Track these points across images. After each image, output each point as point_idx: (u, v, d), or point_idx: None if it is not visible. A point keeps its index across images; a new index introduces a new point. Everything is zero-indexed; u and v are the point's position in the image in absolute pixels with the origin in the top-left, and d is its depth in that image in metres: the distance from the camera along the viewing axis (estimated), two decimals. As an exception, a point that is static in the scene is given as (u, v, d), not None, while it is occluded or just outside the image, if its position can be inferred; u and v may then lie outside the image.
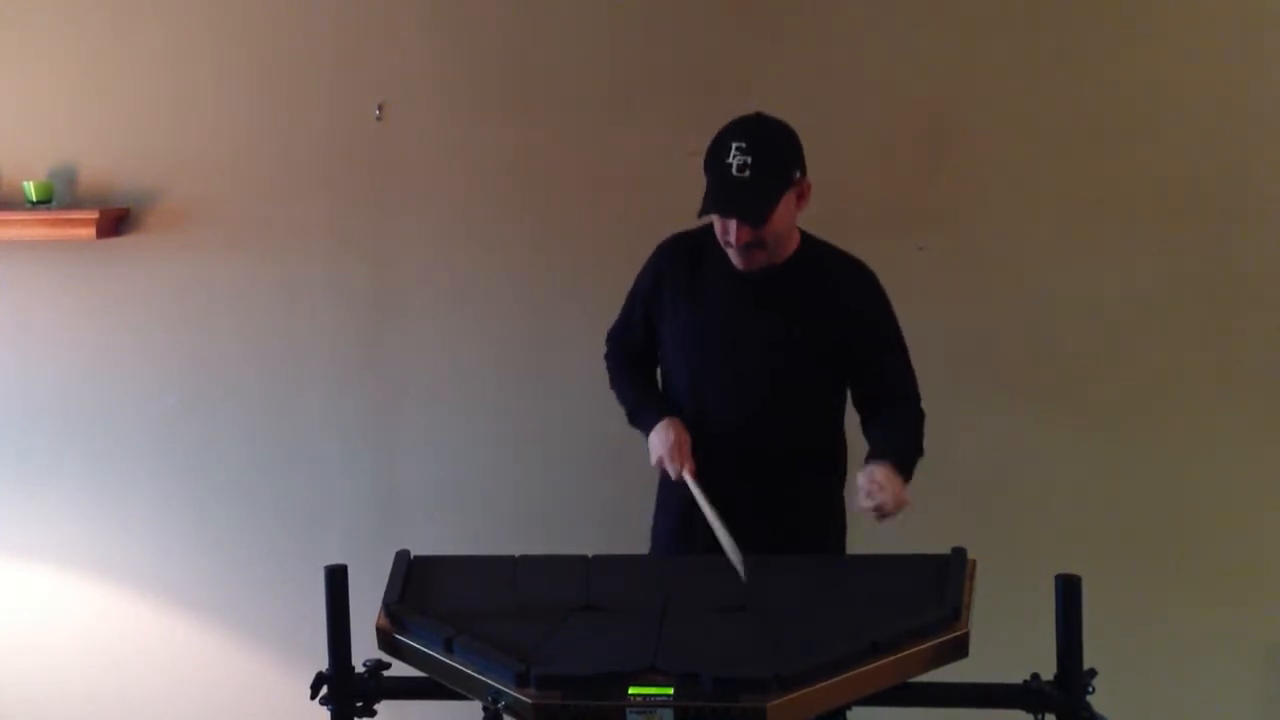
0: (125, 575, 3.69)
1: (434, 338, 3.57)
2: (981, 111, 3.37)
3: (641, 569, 2.57)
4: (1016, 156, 3.37)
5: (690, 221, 2.67)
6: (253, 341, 3.61)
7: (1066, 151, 3.35)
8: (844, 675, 2.07)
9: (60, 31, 3.57)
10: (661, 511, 2.84)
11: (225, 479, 3.66)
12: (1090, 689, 2.22)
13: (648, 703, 2.01)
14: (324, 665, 2.33)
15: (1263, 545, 3.39)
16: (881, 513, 2.42)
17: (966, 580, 2.30)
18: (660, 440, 2.67)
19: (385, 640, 2.30)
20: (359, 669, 2.34)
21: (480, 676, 2.12)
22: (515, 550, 2.53)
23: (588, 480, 3.50)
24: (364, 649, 2.35)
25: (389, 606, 2.34)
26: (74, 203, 3.58)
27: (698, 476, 2.61)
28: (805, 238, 2.70)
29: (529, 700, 2.04)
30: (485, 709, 2.21)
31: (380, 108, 3.52)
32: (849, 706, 2.23)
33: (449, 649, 2.19)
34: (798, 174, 2.58)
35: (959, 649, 2.19)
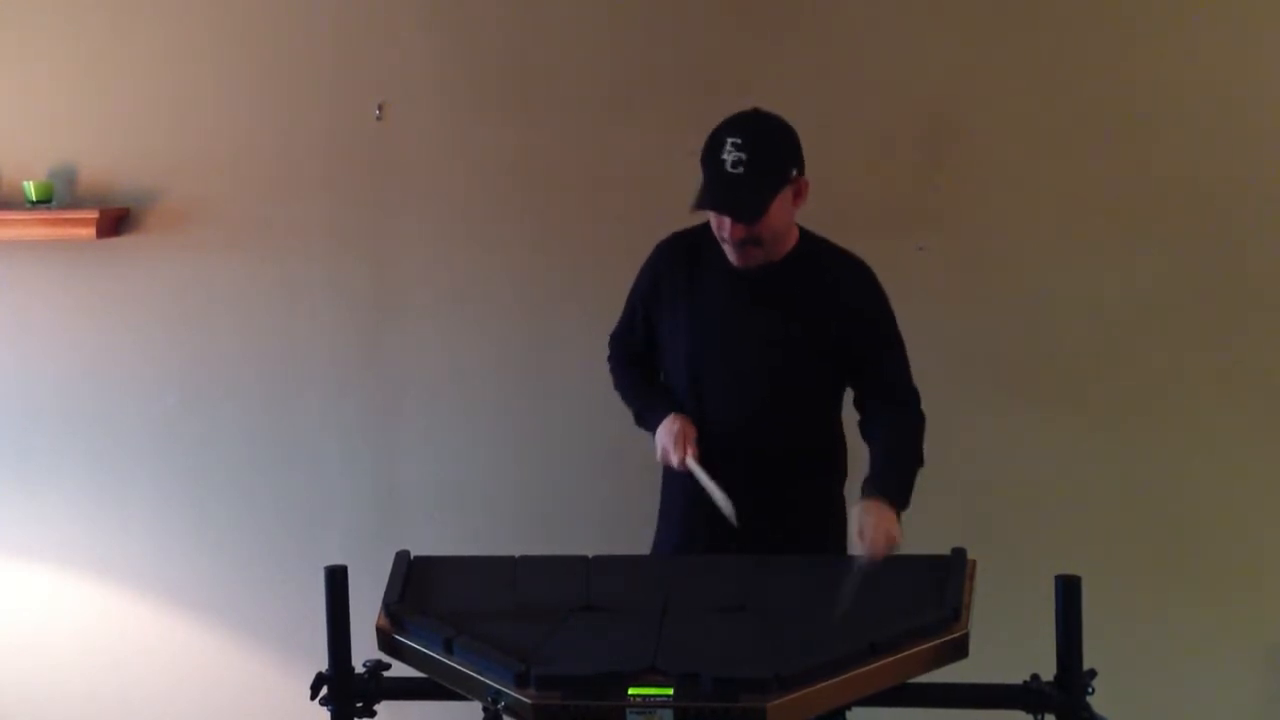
0: (125, 575, 3.69)
1: (434, 338, 3.57)
2: (981, 111, 3.37)
3: (641, 569, 2.57)
4: (1016, 156, 3.37)
5: (690, 221, 2.67)
6: (253, 341, 3.61)
7: (1066, 151, 3.35)
8: (844, 675, 2.07)
9: (60, 31, 3.57)
10: (664, 521, 2.84)
11: (225, 479, 3.66)
12: (1090, 689, 2.22)
13: (648, 703, 2.01)
14: (324, 665, 2.33)
15: (1263, 545, 3.39)
16: (872, 559, 2.42)
17: (966, 580, 2.30)
18: (664, 432, 2.66)
19: (385, 640, 2.30)
20: (359, 669, 2.34)
21: (480, 677, 2.12)
22: (515, 550, 2.53)
23: (588, 480, 3.50)
24: (364, 649, 2.35)
25: (389, 607, 2.34)
26: (74, 203, 3.58)
27: (701, 461, 2.61)
28: (804, 234, 2.70)
29: (529, 700, 2.04)
30: (485, 709, 2.20)
31: (380, 108, 3.52)
32: (849, 706, 2.23)
33: (449, 649, 2.19)
34: (794, 172, 2.57)
35: (959, 649, 2.19)
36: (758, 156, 2.51)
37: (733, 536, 2.57)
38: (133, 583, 3.69)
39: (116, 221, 3.58)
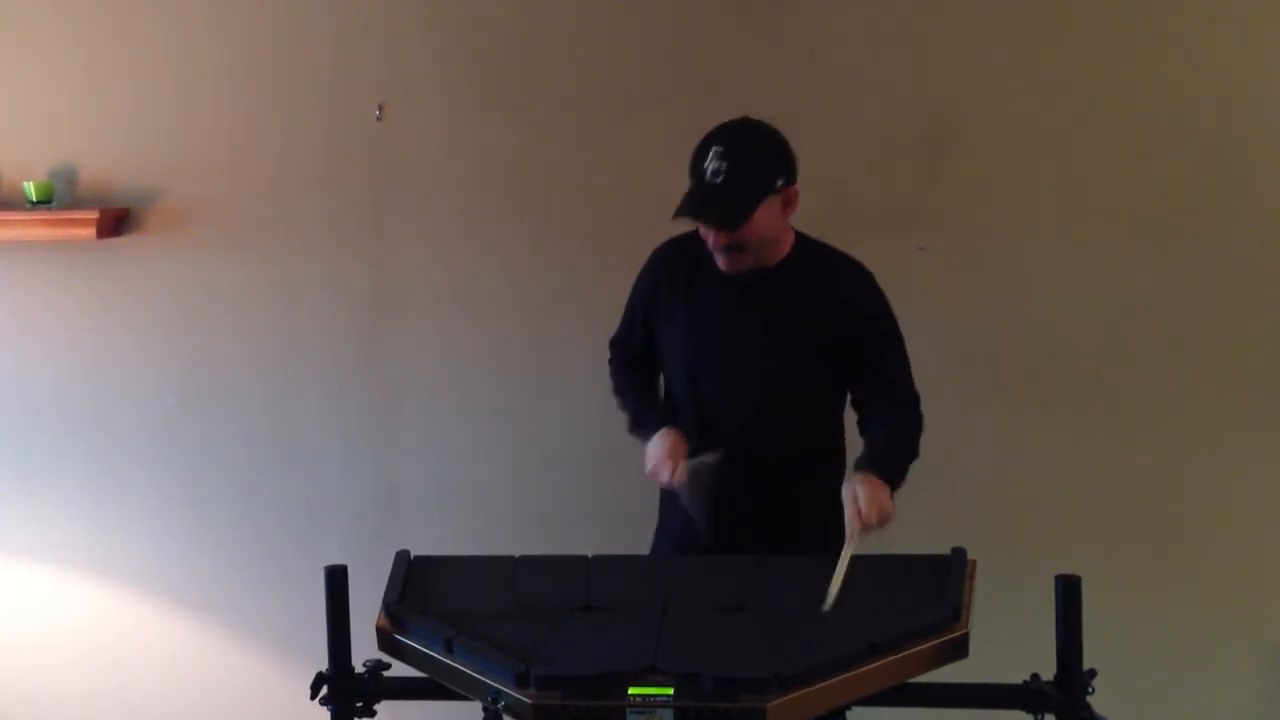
0: (125, 575, 3.69)
1: (434, 338, 3.57)
2: (981, 111, 3.37)
3: (641, 569, 2.57)
4: (1016, 157, 3.37)
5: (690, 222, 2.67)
6: (253, 341, 3.61)
7: (1066, 152, 3.35)
8: (844, 675, 2.07)
9: (60, 31, 3.57)
10: (665, 531, 2.84)
11: (225, 479, 3.66)
12: (1090, 689, 2.22)
13: (648, 703, 2.01)
14: (324, 665, 2.33)
15: (1263, 545, 3.39)
16: (864, 527, 2.42)
17: (966, 580, 2.30)
18: (654, 449, 2.65)
19: (385, 640, 2.30)
20: (359, 669, 2.34)
21: (480, 677, 2.12)
22: (515, 550, 2.53)
23: (588, 480, 3.50)
24: (364, 649, 2.35)
25: (389, 606, 2.34)
26: (74, 203, 3.58)
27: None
28: (800, 239, 2.69)
29: (529, 700, 2.04)
30: (485, 709, 2.21)
31: (380, 108, 3.52)
32: (849, 706, 2.23)
33: (449, 649, 2.19)
34: (781, 181, 2.55)
35: (959, 649, 2.19)
36: (739, 166, 2.51)
37: (732, 541, 2.57)
38: (133, 583, 3.69)
39: (116, 221, 3.58)
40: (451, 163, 3.52)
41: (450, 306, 3.56)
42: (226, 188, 3.58)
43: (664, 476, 2.62)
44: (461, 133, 3.51)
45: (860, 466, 2.53)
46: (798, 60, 3.39)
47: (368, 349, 3.60)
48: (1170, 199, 3.33)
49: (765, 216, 2.55)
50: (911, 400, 2.69)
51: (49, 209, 3.51)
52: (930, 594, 2.27)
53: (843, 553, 2.37)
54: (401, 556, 2.46)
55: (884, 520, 2.44)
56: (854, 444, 2.74)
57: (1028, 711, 2.22)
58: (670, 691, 2.03)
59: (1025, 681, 2.23)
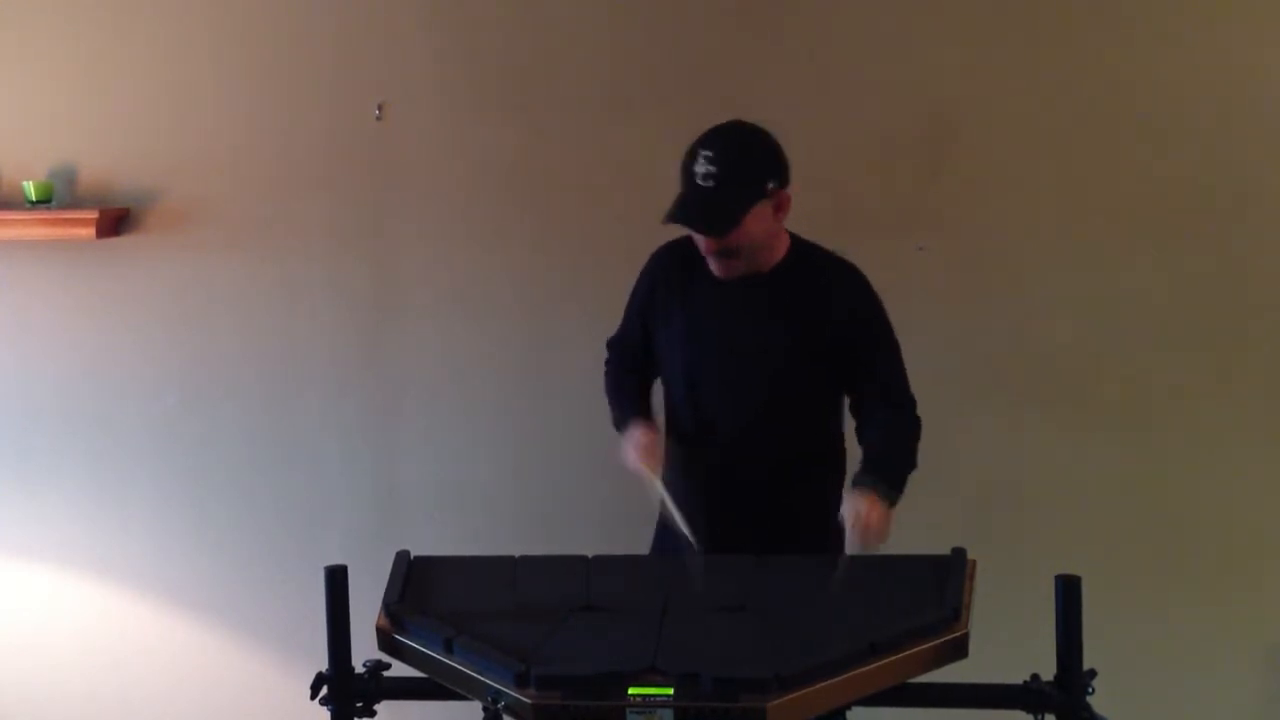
0: (125, 575, 3.69)
1: (434, 338, 3.57)
2: (981, 112, 3.37)
3: (641, 569, 2.58)
4: (1016, 157, 3.37)
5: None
6: (253, 341, 3.61)
7: (1066, 152, 3.35)
8: (844, 675, 2.07)
9: (60, 31, 3.57)
10: (661, 528, 2.84)
11: (225, 479, 3.66)
12: (1090, 689, 2.21)
13: (648, 703, 2.01)
14: (324, 665, 2.33)
15: (1263, 545, 3.39)
16: (866, 545, 2.42)
17: (966, 580, 2.30)
18: (628, 441, 2.67)
19: (385, 640, 2.30)
20: (359, 669, 2.34)
21: (480, 677, 2.12)
22: (515, 550, 2.53)
23: (588, 480, 3.50)
24: (364, 649, 2.35)
25: (389, 606, 2.34)
26: (74, 203, 3.58)
27: (659, 475, 2.62)
28: (795, 242, 2.69)
29: (529, 700, 2.04)
30: (485, 709, 2.20)
31: (380, 108, 3.52)
32: (849, 706, 2.23)
33: (449, 649, 2.19)
34: (772, 185, 2.54)
35: (959, 649, 2.18)
36: (729, 170, 2.50)
37: (731, 544, 2.57)
38: (133, 583, 3.69)
39: (116, 221, 3.58)
40: (451, 163, 3.52)
41: (450, 306, 3.56)
42: (226, 188, 3.58)
43: (630, 463, 2.64)
44: (461, 133, 3.51)
45: (861, 483, 2.51)
46: (798, 60, 3.39)
47: (368, 349, 3.60)
48: (1170, 199, 3.33)
49: (756, 221, 2.54)
50: (907, 404, 2.68)
51: (49, 209, 3.51)
52: (930, 594, 2.26)
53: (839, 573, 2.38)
54: (401, 556, 2.46)
55: (881, 538, 2.45)
56: (853, 449, 2.74)
57: (1028, 711, 2.22)
58: (670, 691, 2.03)
59: (1025, 681, 2.23)
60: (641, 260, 2.82)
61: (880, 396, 2.67)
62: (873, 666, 2.10)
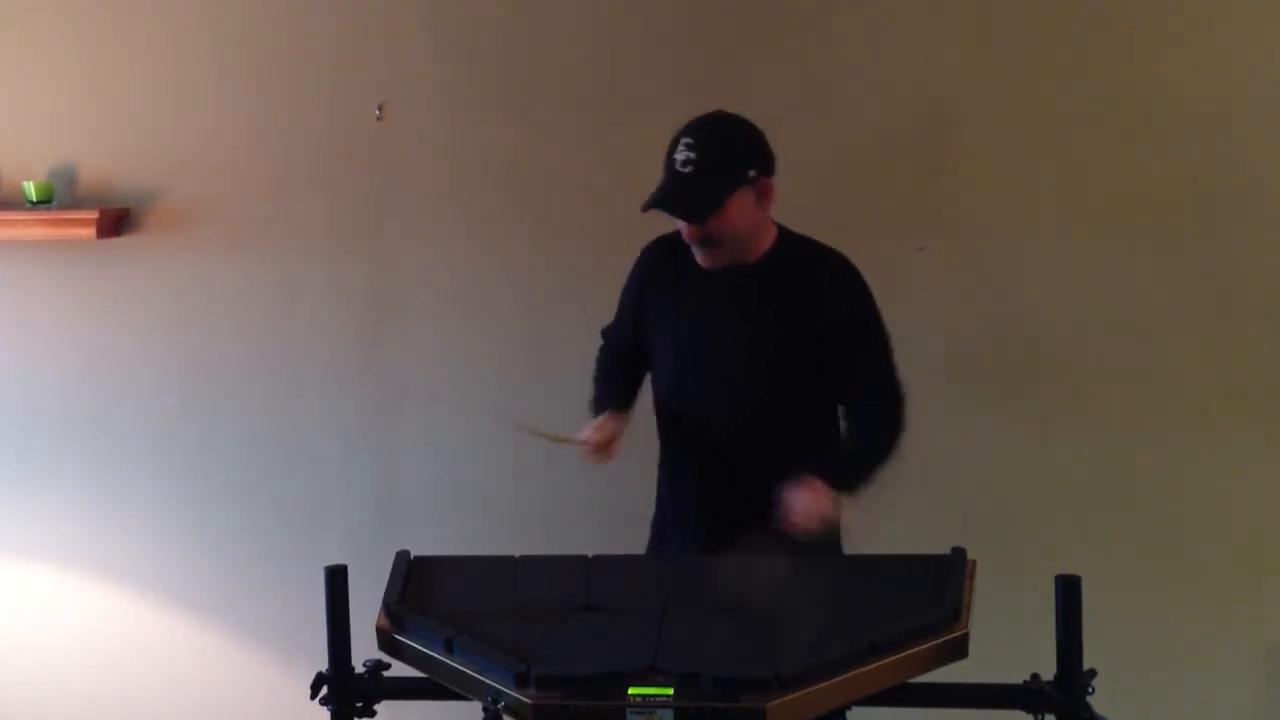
0: (125, 575, 3.69)
1: (434, 338, 3.57)
2: (981, 112, 3.36)
3: (641, 569, 2.57)
4: (1016, 157, 3.36)
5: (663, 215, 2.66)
6: (253, 341, 3.61)
7: (1066, 152, 3.35)
8: (844, 675, 2.07)
9: (60, 31, 3.57)
10: (656, 534, 2.84)
11: (225, 479, 3.66)
12: (1090, 689, 2.21)
13: (648, 703, 2.01)
14: (324, 665, 2.33)
15: (1263, 545, 3.39)
16: (805, 530, 2.43)
17: (966, 580, 2.29)
18: (592, 425, 2.70)
19: (385, 640, 2.30)
20: (359, 669, 2.34)
21: (480, 677, 2.12)
22: (515, 550, 2.53)
23: (588, 480, 3.49)
24: (364, 649, 2.35)
25: (389, 606, 2.34)
26: (74, 203, 3.58)
27: (589, 445, 2.68)
28: (783, 233, 2.68)
29: (529, 700, 2.04)
30: (485, 709, 2.20)
31: (380, 108, 3.52)
32: (849, 706, 2.23)
33: (449, 649, 2.19)
34: (754, 172, 2.55)
35: (959, 649, 2.18)
36: (708, 157, 2.51)
37: (728, 541, 2.57)
38: (133, 583, 3.69)
39: (116, 221, 3.58)
40: (451, 163, 3.52)
41: (450, 306, 3.56)
42: (226, 188, 3.58)
43: (576, 441, 2.67)
44: (461, 133, 3.51)
45: (809, 469, 2.51)
46: (798, 60, 3.39)
47: (368, 349, 3.60)
48: (1170, 199, 3.33)
49: (738, 208, 2.54)
50: (892, 399, 2.65)
51: (49, 209, 3.51)
52: (930, 594, 2.26)
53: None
54: (401, 556, 2.46)
55: (825, 525, 2.45)
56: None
57: (1028, 711, 2.22)
58: (670, 691, 2.03)
59: (1025, 681, 2.23)
60: (641, 260, 2.83)
61: (864, 395, 2.66)
62: (873, 666, 2.10)
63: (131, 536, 3.68)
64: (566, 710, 2.02)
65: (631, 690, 2.03)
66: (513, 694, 2.06)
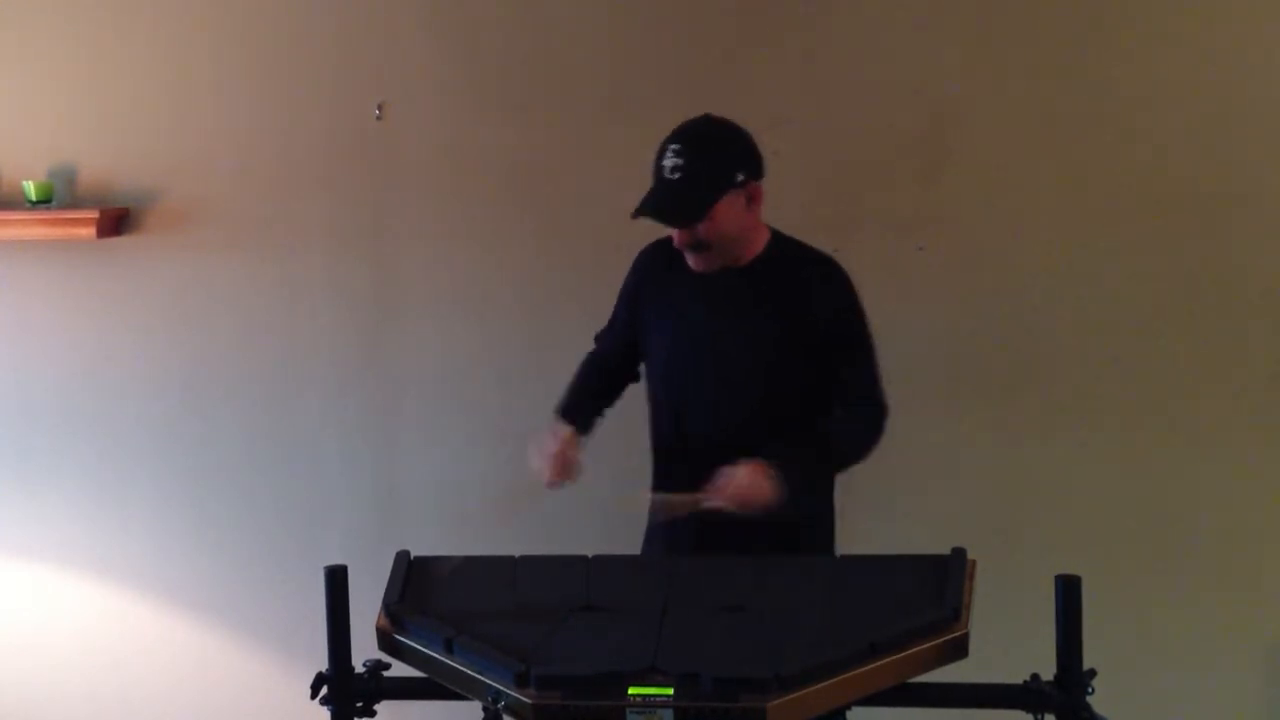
0: (125, 575, 3.69)
1: (434, 338, 3.57)
2: (982, 112, 3.36)
3: (641, 569, 2.57)
4: (1016, 157, 3.36)
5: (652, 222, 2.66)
6: (253, 341, 3.61)
7: (1066, 151, 3.35)
8: (844, 675, 2.07)
9: (60, 31, 3.57)
10: (649, 537, 2.84)
11: (225, 479, 3.66)
12: (1090, 689, 2.21)
13: (648, 703, 2.01)
14: (324, 665, 2.33)
15: (1263, 545, 3.39)
16: (732, 505, 2.45)
17: (966, 580, 2.29)
18: (542, 444, 2.68)
19: (385, 640, 2.30)
20: (359, 669, 2.34)
21: (480, 677, 2.12)
22: (515, 550, 2.53)
23: (588, 480, 3.49)
24: (364, 649, 2.35)
25: (389, 606, 2.34)
26: (74, 203, 3.58)
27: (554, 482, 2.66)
28: (775, 236, 2.68)
29: (529, 700, 2.04)
30: (485, 709, 2.21)
31: (380, 108, 3.52)
32: (849, 706, 2.23)
33: (449, 649, 2.19)
34: (741, 176, 2.55)
35: (959, 649, 2.18)
36: (695, 162, 2.52)
37: (726, 544, 2.56)
38: (133, 583, 3.69)
39: (116, 221, 3.58)
40: (451, 163, 3.52)
41: (450, 306, 3.56)
42: (226, 188, 3.58)
43: (544, 477, 2.66)
44: (461, 133, 3.51)
45: (760, 455, 2.50)
46: (797, 60, 3.39)
47: (368, 349, 3.60)
48: (1170, 199, 3.33)
49: (727, 212, 2.54)
50: (872, 405, 2.64)
51: (49, 209, 3.51)
52: (930, 594, 2.26)
53: (678, 498, 2.45)
54: (401, 556, 2.46)
55: (747, 507, 2.46)
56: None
57: (1028, 711, 2.22)
58: (670, 691, 2.03)
59: (1025, 681, 2.23)
60: (641, 260, 2.83)
61: (844, 396, 2.65)
62: (873, 666, 2.10)
63: (131, 536, 3.68)
64: (566, 710, 2.02)
65: (631, 690, 2.03)
66: (513, 694, 2.06)
